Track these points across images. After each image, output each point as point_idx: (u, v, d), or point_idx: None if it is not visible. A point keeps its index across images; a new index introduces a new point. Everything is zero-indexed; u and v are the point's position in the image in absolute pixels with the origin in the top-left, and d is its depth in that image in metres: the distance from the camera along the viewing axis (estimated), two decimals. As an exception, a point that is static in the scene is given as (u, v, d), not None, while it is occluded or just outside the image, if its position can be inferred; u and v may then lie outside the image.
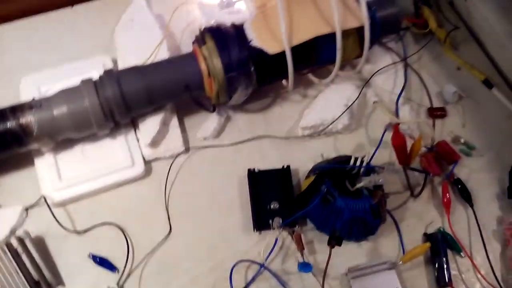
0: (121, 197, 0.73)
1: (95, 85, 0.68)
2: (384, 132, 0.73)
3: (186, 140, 0.77)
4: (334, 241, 0.63)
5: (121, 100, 0.68)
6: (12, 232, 0.68)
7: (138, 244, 0.70)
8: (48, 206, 0.69)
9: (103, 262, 0.67)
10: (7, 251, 0.63)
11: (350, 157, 0.68)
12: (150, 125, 0.74)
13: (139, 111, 0.73)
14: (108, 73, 0.70)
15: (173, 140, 0.75)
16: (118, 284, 0.66)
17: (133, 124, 0.75)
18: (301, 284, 0.68)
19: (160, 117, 0.74)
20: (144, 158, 0.74)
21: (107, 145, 0.73)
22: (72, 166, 0.72)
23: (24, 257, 0.64)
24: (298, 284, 0.68)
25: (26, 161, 0.72)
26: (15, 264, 0.63)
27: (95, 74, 0.71)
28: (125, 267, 0.68)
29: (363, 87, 0.81)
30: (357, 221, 0.67)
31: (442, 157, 0.76)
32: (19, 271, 0.63)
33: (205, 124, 0.78)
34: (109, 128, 0.71)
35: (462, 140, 0.79)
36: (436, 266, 0.69)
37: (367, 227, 0.68)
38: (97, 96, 0.67)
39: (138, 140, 0.74)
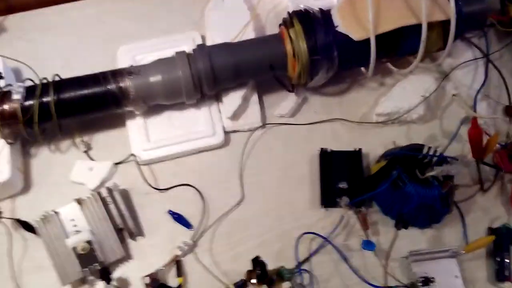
0: (201, 162, 0.80)
1: (188, 58, 0.75)
2: (460, 125, 0.76)
3: (263, 116, 0.83)
4: (401, 224, 0.67)
5: (211, 73, 0.74)
6: (103, 183, 0.77)
7: (213, 207, 0.76)
8: (137, 163, 0.77)
9: (180, 219, 0.75)
10: (98, 198, 0.72)
11: (423, 145, 0.71)
12: (232, 99, 0.80)
13: (225, 85, 0.79)
14: (200, 47, 0.76)
15: (252, 115, 0.81)
16: (192, 240, 0.73)
17: (217, 97, 0.82)
18: (362, 261, 0.72)
19: (242, 93, 0.80)
20: (224, 129, 0.80)
21: (193, 114, 0.80)
22: (160, 129, 0.79)
23: (111, 206, 0.72)
24: (359, 261, 0.72)
25: (119, 121, 0.80)
26: (104, 210, 0.71)
27: (186, 49, 0.78)
28: (200, 225, 0.75)
29: (442, 80, 0.83)
30: (425, 208, 0.70)
31: (515, 155, 0.77)
32: (107, 217, 0.71)
33: (283, 103, 0.83)
34: (196, 99, 0.78)
35: (538, 142, 0.80)
36: (498, 260, 0.71)
37: (434, 215, 0.71)
38: (190, 67, 0.74)
39: (220, 112, 0.81)
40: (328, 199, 0.75)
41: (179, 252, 0.72)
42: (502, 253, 0.71)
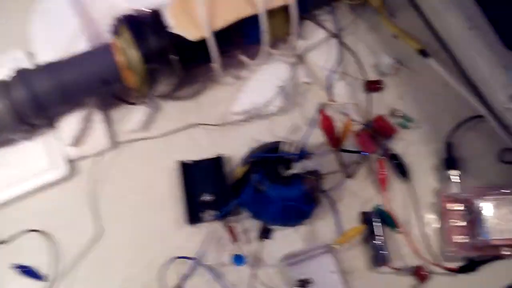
0: (47, 201, 0.71)
1: (4, 86, 0.66)
2: (317, 113, 0.74)
3: (113, 135, 0.75)
4: (263, 235, 0.64)
5: (32, 101, 0.65)
6: None
7: (67, 249, 0.69)
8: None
9: (29, 271, 0.67)
10: None
11: (279, 143, 0.69)
12: (70, 123, 0.72)
13: (56, 111, 0.71)
14: (18, 73, 0.67)
15: (98, 136, 0.74)
16: (47, 293, 0.66)
17: (53, 124, 0.73)
18: (237, 275, 0.69)
19: (81, 114, 0.72)
20: (67, 158, 0.72)
21: (27, 148, 0.72)
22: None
23: None
24: (235, 275, 0.69)
25: None
26: None
27: (6, 72, 0.69)
28: (54, 274, 0.67)
29: (295, 66, 0.81)
30: (290, 209, 0.67)
31: (379, 132, 0.76)
32: None
33: (133, 116, 0.77)
34: (25, 131, 0.70)
35: (399, 113, 0.80)
36: (374, 244, 0.70)
37: (301, 214, 0.69)
38: (6, 98, 0.65)
39: (59, 140, 0.73)
40: (193, 215, 0.71)
41: (32, 310, 0.65)
42: (376, 236, 0.70)
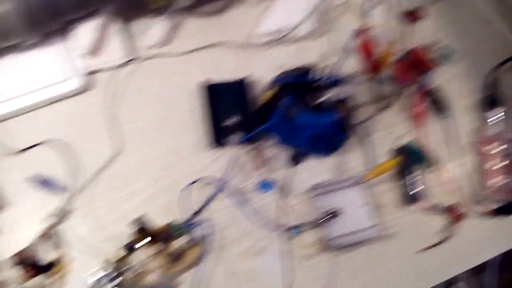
0: (64, 112, 0.68)
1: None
2: (352, 39, 0.69)
3: (131, 49, 0.71)
4: (294, 161, 0.61)
5: (47, 2, 0.61)
6: None
7: (86, 163, 0.66)
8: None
9: (47, 183, 0.64)
10: None
11: (310, 68, 0.65)
12: (86, 32, 0.67)
13: (71, 15, 0.66)
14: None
15: (115, 48, 0.69)
16: (66, 205, 0.63)
17: (68, 31, 0.68)
18: (261, 203, 0.66)
19: (97, 23, 0.67)
20: (83, 69, 0.68)
21: (40, 56, 0.67)
22: (2, 79, 0.66)
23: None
24: (259, 203, 0.66)
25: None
26: None
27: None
28: (73, 187, 0.65)
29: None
30: (320, 138, 0.64)
31: (415, 65, 0.72)
32: None
33: (152, 31, 0.72)
34: (38, 37, 0.65)
35: (437, 46, 0.76)
36: (405, 181, 0.68)
37: (331, 144, 0.66)
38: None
39: (73, 50, 0.68)
40: (217, 138, 0.68)
41: (51, 222, 0.62)
42: (409, 173, 0.68)
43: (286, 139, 0.67)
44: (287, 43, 0.74)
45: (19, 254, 0.59)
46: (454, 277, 0.66)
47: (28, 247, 0.60)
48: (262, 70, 0.71)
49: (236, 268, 0.63)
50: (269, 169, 0.68)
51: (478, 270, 0.77)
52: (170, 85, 0.71)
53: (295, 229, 0.63)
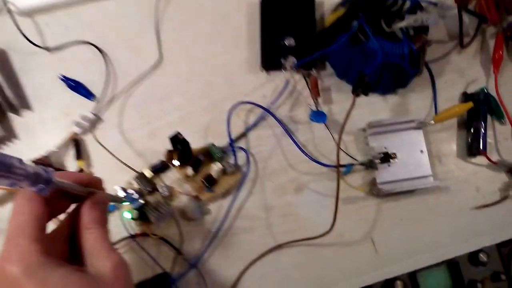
0: (103, 13, 0.62)
1: None
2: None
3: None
4: (361, 88, 0.54)
5: None
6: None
7: (121, 71, 0.60)
8: (12, 13, 0.59)
9: (78, 87, 0.59)
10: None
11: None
12: None
13: None
14: None
15: None
16: (95, 113, 0.59)
17: None
18: (310, 136, 0.61)
19: None
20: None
21: None
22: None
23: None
24: (307, 135, 0.61)
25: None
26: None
27: None
28: (104, 95, 0.60)
29: None
30: (390, 68, 0.57)
31: (504, 3, 0.64)
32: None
33: None
34: None
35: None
36: (472, 130, 0.61)
37: (400, 77, 0.59)
38: None
39: None
40: (271, 60, 0.61)
41: (78, 129, 0.58)
42: (478, 122, 0.61)
43: (346, 69, 0.60)
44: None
45: (40, 160, 0.56)
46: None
47: (50, 154, 0.56)
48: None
49: (273, 201, 0.59)
50: (324, 101, 0.62)
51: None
52: (224, -6, 0.64)
53: (346, 168, 0.57)
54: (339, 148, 0.55)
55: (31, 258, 0.32)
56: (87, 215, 0.37)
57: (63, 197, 0.37)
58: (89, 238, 0.36)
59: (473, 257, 0.59)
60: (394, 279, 0.57)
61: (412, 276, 0.58)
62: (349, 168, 0.58)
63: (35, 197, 0.34)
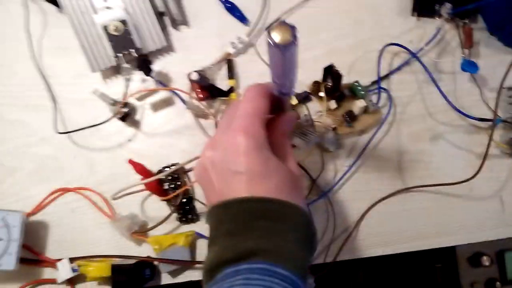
0: None
1: None
2: None
3: None
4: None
5: None
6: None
7: (275, 0, 0.64)
8: None
9: (234, 9, 0.63)
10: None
11: None
12: None
13: None
14: None
15: None
16: (248, 37, 0.63)
17: None
18: (452, 86, 0.62)
19: None
20: None
21: None
22: None
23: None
24: (450, 85, 0.62)
25: None
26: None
27: None
28: (258, 20, 0.63)
29: None
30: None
31: None
32: (146, -1, 0.60)
33: None
34: None
35: None
36: None
37: None
38: None
39: None
40: (424, 5, 0.63)
41: (231, 50, 0.62)
42: None
43: (500, 24, 0.61)
44: None
45: (198, 72, 0.60)
46: None
47: (205, 69, 0.61)
48: None
49: (406, 146, 0.62)
50: (472, 54, 0.63)
51: None
52: None
53: (496, 122, 0.59)
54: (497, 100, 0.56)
55: (263, 139, 0.39)
56: (287, 125, 0.43)
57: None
58: (285, 142, 0.41)
59: None
60: (481, 254, 0.58)
61: (500, 255, 0.60)
62: (497, 122, 0.59)
63: (268, 95, 0.41)
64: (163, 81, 0.60)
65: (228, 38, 0.62)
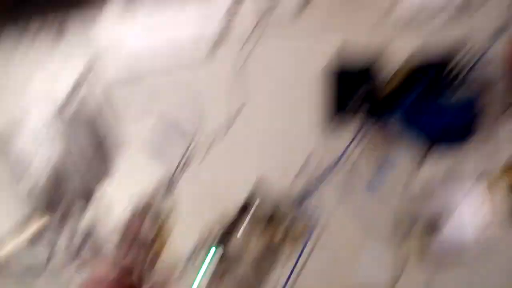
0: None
1: None
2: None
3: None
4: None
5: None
6: None
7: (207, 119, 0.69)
8: None
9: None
10: None
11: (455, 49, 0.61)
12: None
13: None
14: None
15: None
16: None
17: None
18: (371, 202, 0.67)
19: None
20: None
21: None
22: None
23: None
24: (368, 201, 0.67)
25: None
26: None
27: None
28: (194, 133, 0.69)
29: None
30: (453, 127, 0.63)
31: None
32: None
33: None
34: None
35: None
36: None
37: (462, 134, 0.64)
38: None
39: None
40: (338, 121, 0.67)
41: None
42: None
43: (416, 124, 0.66)
44: (428, 22, 0.69)
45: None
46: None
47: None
48: (397, 50, 0.67)
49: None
50: (389, 164, 0.67)
51: None
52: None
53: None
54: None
55: None
56: None
57: None
58: None
59: None
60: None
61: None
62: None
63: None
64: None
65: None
